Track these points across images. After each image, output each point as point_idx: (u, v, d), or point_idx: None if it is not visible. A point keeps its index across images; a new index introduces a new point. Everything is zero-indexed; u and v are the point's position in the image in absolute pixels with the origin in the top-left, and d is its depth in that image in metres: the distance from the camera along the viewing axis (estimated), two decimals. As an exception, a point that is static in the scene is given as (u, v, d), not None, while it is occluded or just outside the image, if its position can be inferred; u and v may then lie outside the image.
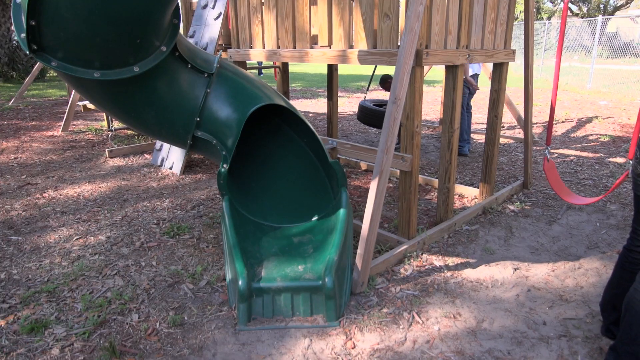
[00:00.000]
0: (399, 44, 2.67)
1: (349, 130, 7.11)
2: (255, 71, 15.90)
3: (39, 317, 2.27)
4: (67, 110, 6.60)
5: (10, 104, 8.96)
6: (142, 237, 3.17)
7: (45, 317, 2.27)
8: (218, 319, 2.26)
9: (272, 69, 14.83)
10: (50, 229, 3.33)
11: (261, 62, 12.91)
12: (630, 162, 2.73)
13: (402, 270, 2.71)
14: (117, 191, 4.14)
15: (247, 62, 4.87)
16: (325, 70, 15.07)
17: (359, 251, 2.45)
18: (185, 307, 2.36)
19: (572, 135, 6.50)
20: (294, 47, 3.48)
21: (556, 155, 5.36)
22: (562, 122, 7.46)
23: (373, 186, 2.46)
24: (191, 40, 4.93)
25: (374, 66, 5.80)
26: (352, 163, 5.01)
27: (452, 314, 2.30)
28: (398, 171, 3.00)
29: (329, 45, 3.19)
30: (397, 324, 2.21)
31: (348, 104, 9.87)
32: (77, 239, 3.15)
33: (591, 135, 6.45)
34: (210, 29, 4.78)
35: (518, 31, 14.98)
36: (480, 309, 2.34)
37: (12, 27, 12.83)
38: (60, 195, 4.04)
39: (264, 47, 3.80)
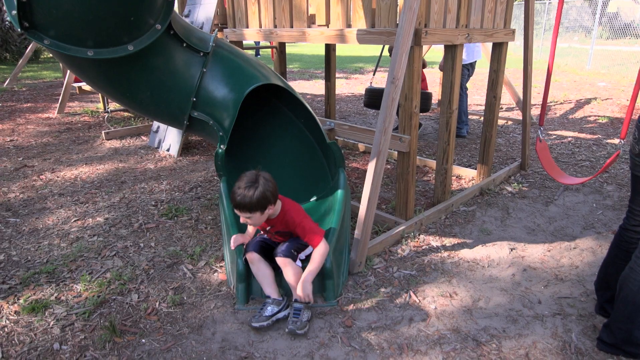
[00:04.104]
0: (397, 22, 2.64)
1: (347, 111, 7.07)
2: (252, 51, 15.74)
3: (39, 297, 2.29)
4: (62, 92, 6.54)
5: (4, 85, 8.86)
6: (140, 219, 3.18)
7: (45, 297, 2.29)
8: (217, 299, 2.28)
9: (269, 50, 14.67)
10: (48, 210, 3.33)
11: (258, 43, 12.75)
12: (622, 141, 2.74)
13: (399, 251, 2.72)
14: (114, 173, 4.13)
15: (244, 42, 4.81)
16: (322, 52, 14.89)
17: (356, 232, 2.46)
18: (184, 287, 2.38)
19: (570, 116, 6.48)
20: (291, 27, 3.43)
21: (554, 136, 5.36)
22: (561, 103, 7.43)
23: (371, 167, 2.46)
24: (186, 20, 4.84)
25: (372, 46, 5.70)
26: (350, 144, 5.00)
27: (448, 293, 2.33)
28: (396, 152, 3.00)
29: (327, 25, 3.15)
30: (394, 303, 2.24)
31: (346, 85, 9.80)
32: (75, 221, 3.16)
33: (589, 116, 6.44)
34: (205, 8, 4.70)
35: (518, 11, 14.79)
36: (476, 288, 2.36)
37: (4, 8, 12.58)
38: (58, 177, 4.03)
39: (260, 27, 3.74)
